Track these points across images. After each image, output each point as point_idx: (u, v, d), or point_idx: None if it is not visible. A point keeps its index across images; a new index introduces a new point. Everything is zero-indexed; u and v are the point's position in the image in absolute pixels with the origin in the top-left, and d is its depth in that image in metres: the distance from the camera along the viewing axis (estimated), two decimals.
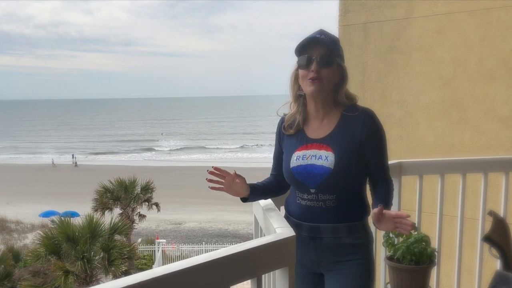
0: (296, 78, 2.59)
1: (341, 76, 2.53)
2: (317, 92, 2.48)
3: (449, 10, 4.39)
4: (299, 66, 2.54)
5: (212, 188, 2.51)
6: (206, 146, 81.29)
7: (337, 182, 2.46)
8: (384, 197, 2.54)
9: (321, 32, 2.53)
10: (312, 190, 2.49)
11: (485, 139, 4.26)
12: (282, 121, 2.70)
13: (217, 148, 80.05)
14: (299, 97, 2.60)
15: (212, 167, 2.47)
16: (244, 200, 2.61)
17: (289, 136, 2.64)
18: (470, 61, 4.31)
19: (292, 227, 2.38)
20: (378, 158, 2.57)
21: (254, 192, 2.60)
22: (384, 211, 2.33)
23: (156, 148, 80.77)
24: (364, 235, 2.58)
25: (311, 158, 2.50)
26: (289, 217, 2.61)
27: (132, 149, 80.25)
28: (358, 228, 2.55)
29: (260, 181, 2.72)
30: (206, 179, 2.45)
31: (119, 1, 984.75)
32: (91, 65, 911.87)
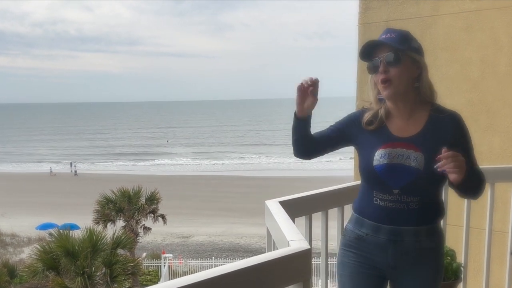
0: (374, 84, 2.67)
1: (419, 70, 2.59)
2: (392, 94, 2.57)
3: (477, 7, 4.40)
4: (369, 71, 2.66)
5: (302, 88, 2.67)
6: (215, 154, 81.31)
7: (424, 184, 2.55)
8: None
9: (387, 31, 2.63)
10: (395, 191, 2.57)
11: None
12: (361, 114, 2.75)
13: (227, 156, 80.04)
14: (380, 101, 2.69)
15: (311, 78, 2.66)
16: (298, 119, 2.75)
17: (369, 132, 2.69)
18: (500, 62, 4.32)
19: (368, 230, 2.65)
20: (468, 160, 2.53)
21: (309, 121, 2.75)
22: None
23: (161, 156, 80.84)
24: (440, 238, 2.71)
25: (398, 157, 2.56)
26: (363, 220, 2.70)
27: (136, 157, 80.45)
28: (436, 231, 2.67)
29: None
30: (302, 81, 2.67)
31: None
32: (91, 66, 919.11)
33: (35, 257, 16.65)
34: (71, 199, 42.16)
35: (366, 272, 2.70)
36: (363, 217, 2.70)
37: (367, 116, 2.70)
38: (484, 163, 4.27)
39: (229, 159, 76.49)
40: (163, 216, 24.75)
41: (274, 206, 2.75)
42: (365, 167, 2.66)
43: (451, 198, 3.44)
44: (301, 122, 2.75)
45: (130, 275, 17.08)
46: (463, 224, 3.43)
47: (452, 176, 2.35)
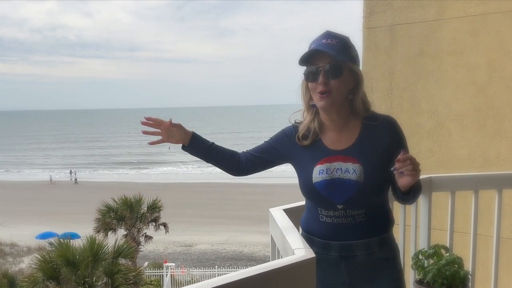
0: (306, 88, 2.60)
1: (355, 81, 2.54)
2: (329, 106, 2.51)
3: (483, 10, 4.41)
4: (306, 78, 2.57)
5: (151, 143, 2.73)
6: None
7: (367, 195, 2.51)
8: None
9: (327, 36, 2.53)
10: (340, 206, 2.52)
11: None
12: (295, 130, 2.70)
13: None
14: (312, 107, 2.62)
15: (144, 117, 2.69)
16: (186, 148, 2.77)
17: (304, 147, 2.64)
18: (507, 66, 4.32)
19: (318, 249, 2.53)
20: None
21: (197, 141, 2.77)
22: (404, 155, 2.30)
23: (163, 164, 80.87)
24: (394, 247, 2.69)
25: (336, 172, 2.52)
26: (312, 238, 2.62)
27: (137, 164, 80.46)
28: (388, 241, 2.64)
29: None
30: (142, 131, 2.68)
31: (121, 2, 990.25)
32: (92, 72, 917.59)
33: (35, 266, 16.64)
34: (71, 207, 42.15)
35: None
36: (312, 235, 2.64)
37: (301, 131, 2.65)
38: (491, 169, 4.30)
39: None
40: (165, 225, 24.73)
41: (278, 213, 2.76)
42: (305, 186, 2.62)
43: (458, 204, 3.45)
44: (191, 149, 2.79)
45: (132, 285, 17.06)
46: (470, 231, 3.42)
47: (407, 179, 2.32)
